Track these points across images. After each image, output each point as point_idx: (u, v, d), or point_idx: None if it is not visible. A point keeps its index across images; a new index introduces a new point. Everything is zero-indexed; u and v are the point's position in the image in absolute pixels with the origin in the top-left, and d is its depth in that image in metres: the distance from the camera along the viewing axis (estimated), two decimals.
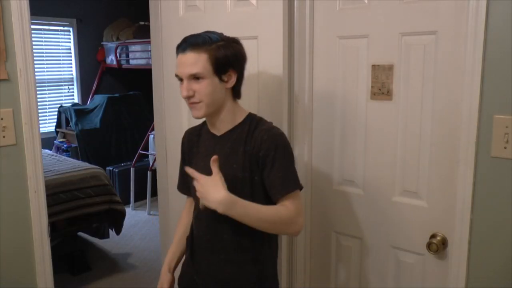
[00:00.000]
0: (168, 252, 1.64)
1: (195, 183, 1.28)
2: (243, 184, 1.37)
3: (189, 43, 1.34)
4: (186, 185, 1.58)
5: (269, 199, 1.37)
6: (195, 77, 1.34)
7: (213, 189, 1.25)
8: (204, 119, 1.49)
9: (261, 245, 1.44)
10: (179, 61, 1.36)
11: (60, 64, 5.66)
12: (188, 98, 1.36)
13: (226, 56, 1.35)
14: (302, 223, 1.36)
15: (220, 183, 1.25)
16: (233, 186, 1.31)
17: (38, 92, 1.86)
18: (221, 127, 1.44)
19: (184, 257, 1.59)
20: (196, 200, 1.40)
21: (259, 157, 1.36)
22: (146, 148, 5.14)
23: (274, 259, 1.51)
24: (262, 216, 1.30)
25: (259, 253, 1.44)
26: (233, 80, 1.39)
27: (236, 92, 1.43)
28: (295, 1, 1.74)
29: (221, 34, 1.39)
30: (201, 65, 1.33)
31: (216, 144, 1.44)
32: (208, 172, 1.30)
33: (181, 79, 1.37)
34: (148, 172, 4.96)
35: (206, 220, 1.44)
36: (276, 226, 1.35)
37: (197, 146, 1.51)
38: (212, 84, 1.35)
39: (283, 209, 1.33)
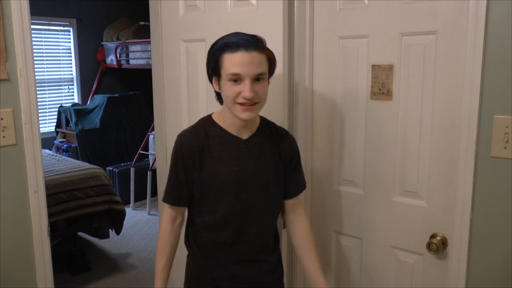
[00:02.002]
0: (160, 276, 1.49)
1: None
2: (271, 185, 1.46)
3: (253, 42, 1.31)
4: (185, 196, 1.46)
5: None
6: (257, 78, 1.31)
7: None
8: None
9: (278, 245, 1.58)
10: (240, 59, 1.29)
11: (60, 64, 5.66)
12: (250, 99, 1.31)
13: (274, 59, 1.39)
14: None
15: None
16: (265, 187, 1.43)
17: (38, 92, 1.86)
18: (248, 131, 1.43)
19: (190, 263, 1.55)
20: (229, 201, 1.42)
21: (287, 159, 1.49)
22: (146, 148, 5.14)
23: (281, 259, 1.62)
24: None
25: (279, 253, 1.58)
26: (270, 82, 1.41)
27: None
28: (295, 1, 1.74)
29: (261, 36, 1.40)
30: (264, 66, 1.33)
31: (242, 148, 1.42)
32: (237, 176, 1.39)
33: (235, 80, 1.31)
34: (148, 172, 4.96)
35: (237, 220, 1.43)
36: None
37: (209, 151, 1.41)
38: (267, 86, 1.37)
39: (308, 224, 1.59)
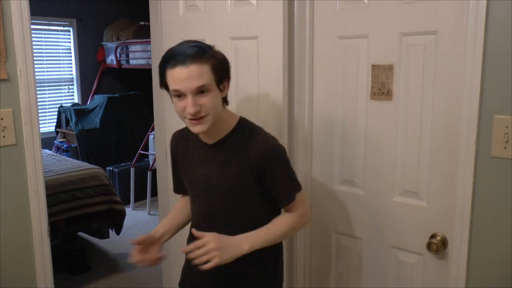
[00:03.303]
0: (164, 223, 1.57)
1: (204, 247, 1.27)
2: (238, 193, 1.39)
3: (188, 55, 1.25)
4: (182, 186, 1.57)
5: (269, 204, 1.43)
6: (201, 91, 1.26)
7: (227, 245, 1.29)
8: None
9: (265, 259, 1.47)
10: (179, 75, 1.25)
11: (60, 64, 5.66)
12: (195, 113, 1.26)
13: (223, 64, 1.32)
14: (309, 212, 1.53)
15: (225, 237, 1.31)
16: (228, 195, 1.39)
17: (38, 92, 1.86)
18: (213, 136, 1.39)
19: (184, 262, 1.57)
20: (199, 205, 1.43)
21: (259, 168, 1.36)
22: (146, 148, 5.14)
23: (274, 259, 1.51)
24: (277, 235, 1.41)
25: (258, 254, 1.41)
26: (227, 88, 1.36)
27: (225, 100, 1.40)
28: (295, 1, 1.74)
29: (203, 42, 1.33)
30: (206, 76, 1.26)
31: (208, 153, 1.41)
32: (204, 181, 1.38)
33: (179, 95, 1.28)
34: (148, 172, 4.96)
35: (207, 225, 1.41)
36: (293, 233, 1.58)
37: (184, 153, 1.47)
38: (216, 95, 1.30)
39: (291, 218, 1.42)
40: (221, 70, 1.31)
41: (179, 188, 1.61)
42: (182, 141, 1.50)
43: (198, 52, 1.26)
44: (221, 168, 1.39)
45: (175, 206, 1.63)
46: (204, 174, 1.41)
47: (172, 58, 1.27)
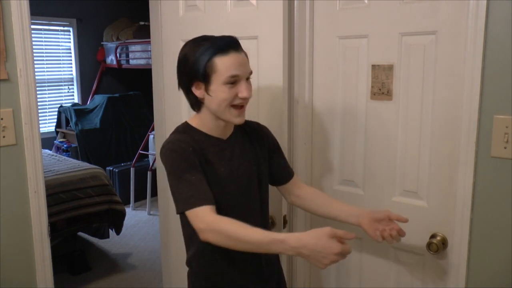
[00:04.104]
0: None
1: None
2: (258, 177, 1.44)
3: (237, 42, 1.31)
4: (207, 192, 1.30)
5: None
6: (247, 77, 1.31)
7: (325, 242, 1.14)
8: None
9: None
10: (236, 61, 1.27)
11: (60, 64, 5.66)
12: (249, 98, 1.30)
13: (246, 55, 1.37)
14: None
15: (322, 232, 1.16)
16: (248, 182, 1.41)
17: (38, 92, 1.86)
18: (228, 131, 1.42)
19: (212, 269, 1.43)
20: (229, 201, 1.36)
21: (269, 148, 1.49)
22: (146, 148, 5.15)
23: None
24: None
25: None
26: None
27: None
28: (295, 1, 1.74)
29: None
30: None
31: (224, 149, 1.40)
32: (225, 177, 1.36)
33: (233, 82, 1.28)
34: (148, 172, 4.96)
35: (241, 216, 1.31)
36: None
37: (202, 154, 1.34)
38: None
39: (316, 189, 1.60)
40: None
41: (206, 194, 1.27)
42: (193, 143, 1.33)
43: (239, 42, 1.32)
44: (238, 160, 1.40)
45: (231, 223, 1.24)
46: (225, 170, 1.37)
47: (222, 46, 1.27)
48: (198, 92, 1.32)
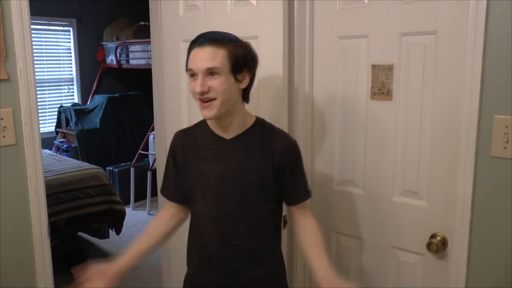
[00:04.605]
0: (133, 247, 1.46)
1: None
2: (256, 189, 1.38)
3: (208, 38, 1.31)
4: (179, 193, 1.49)
5: (277, 201, 1.45)
6: (211, 73, 1.29)
7: None
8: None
9: (272, 248, 1.47)
10: (194, 55, 1.31)
11: (60, 64, 5.66)
12: (202, 94, 1.29)
13: (244, 55, 1.33)
14: None
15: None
16: (246, 191, 1.37)
17: (38, 92, 1.85)
18: (231, 130, 1.39)
19: (190, 269, 1.52)
20: (211, 202, 1.39)
21: (281, 162, 1.39)
22: (146, 148, 5.14)
23: (282, 259, 1.53)
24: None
25: (270, 256, 1.47)
26: (246, 81, 1.37)
27: (246, 95, 1.40)
28: (295, 1, 1.74)
29: (235, 36, 1.37)
30: (219, 60, 1.29)
31: (226, 148, 1.39)
32: (219, 176, 1.36)
33: (193, 75, 1.31)
34: (148, 172, 4.96)
35: (219, 223, 1.39)
36: None
37: (192, 150, 1.43)
38: (227, 81, 1.31)
39: (317, 228, 1.46)
40: (240, 59, 1.32)
41: (171, 193, 1.51)
42: (189, 138, 1.45)
43: (218, 37, 1.32)
44: (240, 163, 1.38)
45: (152, 222, 1.52)
46: (219, 169, 1.38)
47: (194, 41, 1.34)
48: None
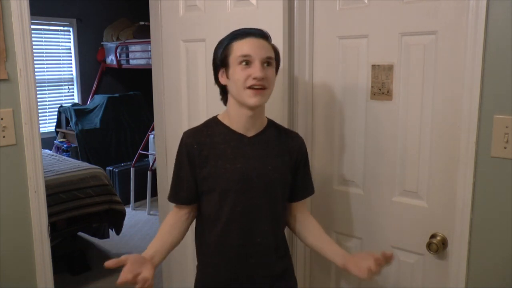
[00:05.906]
0: (153, 244, 1.44)
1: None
2: (276, 186, 1.42)
3: (259, 31, 1.35)
4: (193, 194, 1.42)
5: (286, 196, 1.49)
6: (268, 62, 1.32)
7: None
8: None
9: (285, 246, 1.54)
10: (251, 43, 1.31)
11: (60, 64, 5.66)
12: (261, 79, 1.30)
13: (278, 56, 1.40)
14: None
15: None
16: (270, 187, 1.40)
17: (38, 92, 1.85)
18: (255, 128, 1.40)
19: (205, 268, 1.49)
20: (232, 200, 1.37)
21: (297, 161, 1.47)
22: (146, 148, 5.14)
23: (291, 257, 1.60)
24: None
25: (288, 262, 1.54)
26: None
27: None
28: (295, 1, 1.74)
29: None
30: (273, 53, 1.35)
31: (246, 146, 1.39)
32: (241, 174, 1.36)
33: (247, 62, 1.30)
34: (148, 172, 4.96)
35: (242, 220, 1.39)
36: None
37: (210, 148, 1.38)
38: (275, 74, 1.37)
39: (313, 218, 1.56)
40: (278, 60, 1.40)
41: (184, 196, 1.43)
42: (203, 137, 1.40)
43: (266, 34, 1.37)
44: (261, 161, 1.39)
45: (164, 225, 1.46)
46: (241, 167, 1.37)
47: (242, 33, 1.34)
48: (222, 79, 1.38)
